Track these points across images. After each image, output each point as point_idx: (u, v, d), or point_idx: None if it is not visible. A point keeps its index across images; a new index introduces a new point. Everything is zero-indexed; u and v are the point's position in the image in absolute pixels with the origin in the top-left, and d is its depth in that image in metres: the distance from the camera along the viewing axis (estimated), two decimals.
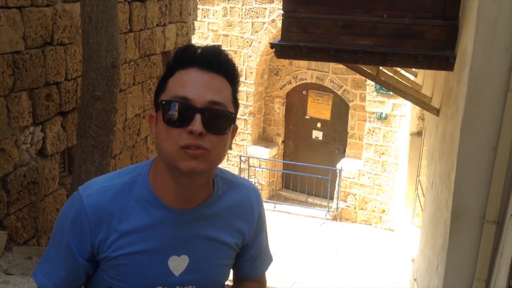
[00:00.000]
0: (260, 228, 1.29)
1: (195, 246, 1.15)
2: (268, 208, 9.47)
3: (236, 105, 1.14)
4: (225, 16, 9.64)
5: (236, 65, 1.14)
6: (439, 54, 3.12)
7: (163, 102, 1.06)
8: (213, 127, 1.05)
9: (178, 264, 1.14)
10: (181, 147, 1.03)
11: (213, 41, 10.38)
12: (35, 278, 1.16)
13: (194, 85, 1.05)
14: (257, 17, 9.40)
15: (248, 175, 9.74)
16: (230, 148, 1.17)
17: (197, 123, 1.02)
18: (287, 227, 8.68)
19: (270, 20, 9.28)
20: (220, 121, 1.07)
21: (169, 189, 1.11)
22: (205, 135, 1.03)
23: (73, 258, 1.12)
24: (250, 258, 1.29)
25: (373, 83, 7.93)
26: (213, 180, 1.18)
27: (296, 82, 9.86)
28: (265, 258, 1.35)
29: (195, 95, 1.04)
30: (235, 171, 10.01)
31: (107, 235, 1.10)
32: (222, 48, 1.12)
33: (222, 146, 1.08)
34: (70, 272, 1.13)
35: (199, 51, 1.08)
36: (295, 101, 10.03)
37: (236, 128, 1.16)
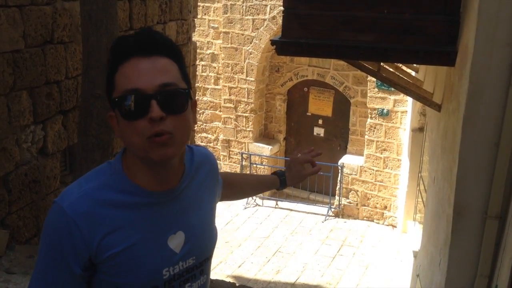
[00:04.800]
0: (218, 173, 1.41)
1: (186, 220, 1.19)
2: (271, 205, 9.49)
3: (187, 80, 1.15)
4: (226, 13, 9.63)
5: (173, 41, 1.16)
6: (441, 50, 3.11)
7: (116, 100, 1.07)
8: (171, 108, 1.06)
9: (177, 241, 1.17)
10: (147, 137, 1.05)
11: (213, 39, 10.36)
12: None
13: (139, 74, 1.06)
14: (258, 14, 9.38)
15: (250, 172, 9.73)
16: (195, 123, 1.21)
17: (155, 109, 1.04)
18: (290, 224, 8.69)
19: (271, 17, 9.26)
20: (176, 100, 1.08)
21: (147, 176, 1.13)
22: (166, 118, 1.05)
23: (70, 272, 1.08)
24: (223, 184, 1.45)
25: (374, 79, 7.91)
26: None
27: (297, 79, 9.84)
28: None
29: (144, 83, 1.05)
30: (237, 168, 10.01)
31: (102, 236, 1.08)
32: (154, 29, 1.13)
33: (185, 124, 1.11)
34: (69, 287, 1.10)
35: (132, 39, 1.09)
36: (296, 98, 10.02)
37: (195, 102, 1.18)
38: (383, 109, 8.40)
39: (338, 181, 9.07)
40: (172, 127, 1.06)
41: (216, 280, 4.06)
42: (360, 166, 8.81)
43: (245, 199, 9.44)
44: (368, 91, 8.51)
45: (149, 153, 1.06)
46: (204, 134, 10.75)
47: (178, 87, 1.09)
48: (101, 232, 1.08)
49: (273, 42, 3.49)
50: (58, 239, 1.08)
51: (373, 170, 8.69)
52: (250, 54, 9.58)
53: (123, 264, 1.10)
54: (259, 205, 9.46)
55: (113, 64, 1.10)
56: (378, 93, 8.38)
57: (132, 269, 1.10)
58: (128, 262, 1.10)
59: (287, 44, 3.42)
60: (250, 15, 9.43)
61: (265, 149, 9.82)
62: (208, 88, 10.52)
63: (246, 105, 9.80)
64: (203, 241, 1.23)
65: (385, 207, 8.73)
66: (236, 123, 9.96)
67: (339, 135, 9.69)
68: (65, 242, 1.07)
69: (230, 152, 10.17)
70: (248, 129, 9.90)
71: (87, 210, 1.08)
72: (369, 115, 8.60)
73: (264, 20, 9.34)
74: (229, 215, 8.84)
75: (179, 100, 1.09)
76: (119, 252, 1.09)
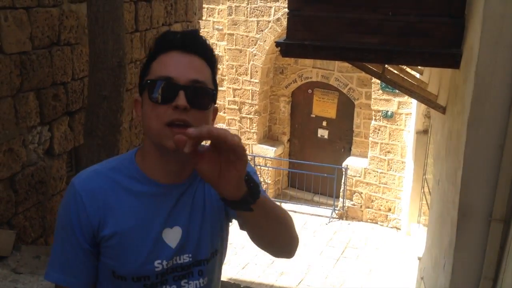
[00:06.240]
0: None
1: (187, 217, 1.21)
2: None
3: (215, 85, 1.20)
4: (230, 15, 9.65)
5: (213, 49, 1.21)
6: (445, 52, 3.11)
7: (148, 81, 1.13)
8: (196, 103, 1.10)
9: (172, 236, 1.18)
10: (167, 123, 1.09)
11: (218, 40, 10.38)
12: (51, 278, 1.16)
13: (176, 65, 1.12)
14: (262, 16, 9.40)
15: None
16: None
17: (181, 99, 1.08)
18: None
19: (275, 18, 9.27)
20: (202, 97, 1.13)
21: (157, 166, 1.17)
22: (189, 110, 1.09)
23: (80, 246, 1.14)
24: None
25: (378, 81, 7.91)
26: None
27: (302, 80, 9.85)
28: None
29: (178, 74, 1.11)
30: None
31: (103, 215, 1.13)
32: (200, 33, 1.20)
33: (205, 121, 1.14)
34: (80, 262, 1.15)
35: (178, 35, 1.15)
36: (301, 99, 10.02)
37: (216, 109, 1.22)
38: (388, 111, 8.39)
39: (342, 183, 9.06)
40: (192, 120, 1.09)
41: (221, 282, 4.07)
42: (364, 168, 8.80)
43: None
44: (373, 93, 8.51)
45: (164, 140, 1.09)
46: None
47: (207, 86, 1.14)
48: (102, 211, 1.13)
49: (277, 44, 3.50)
50: (68, 214, 1.14)
51: (377, 172, 8.67)
52: (255, 56, 9.59)
53: (115, 248, 1.14)
54: None
55: (154, 53, 1.16)
56: (383, 95, 8.37)
57: (122, 254, 1.14)
58: (119, 246, 1.14)
59: (291, 46, 3.43)
60: (254, 17, 9.45)
61: (269, 151, 9.82)
62: None
63: (250, 106, 9.82)
64: (201, 241, 1.22)
65: (389, 209, 8.71)
66: (240, 124, 9.97)
67: (343, 137, 9.68)
68: (73, 218, 1.13)
69: None
70: (252, 130, 9.91)
71: (93, 187, 1.14)
72: (374, 117, 8.59)
73: (269, 22, 9.35)
74: None
75: (205, 97, 1.14)
76: (111, 235, 1.13)
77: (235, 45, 9.72)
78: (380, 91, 8.37)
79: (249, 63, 9.67)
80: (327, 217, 9.05)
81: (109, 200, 1.14)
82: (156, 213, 1.16)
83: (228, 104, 10.06)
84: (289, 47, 3.44)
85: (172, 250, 1.17)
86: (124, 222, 1.14)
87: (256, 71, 9.65)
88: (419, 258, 5.51)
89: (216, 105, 1.20)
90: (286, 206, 9.43)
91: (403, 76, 4.41)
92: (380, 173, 8.64)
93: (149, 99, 1.11)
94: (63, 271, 1.15)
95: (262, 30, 9.44)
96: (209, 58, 1.17)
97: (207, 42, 1.19)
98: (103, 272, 1.17)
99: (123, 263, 1.14)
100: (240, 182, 0.97)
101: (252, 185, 1.00)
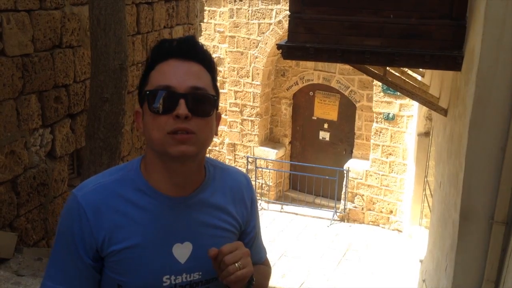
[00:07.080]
0: (254, 212, 1.32)
1: (197, 233, 1.17)
2: (276, 209, 9.48)
3: (216, 91, 1.18)
4: (232, 18, 9.67)
5: (211, 54, 1.20)
6: (447, 54, 3.11)
7: (147, 92, 1.11)
8: (198, 110, 1.09)
9: (182, 251, 1.16)
10: (168, 133, 1.07)
11: (219, 43, 10.40)
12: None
13: (175, 73, 1.10)
14: (264, 18, 9.41)
15: (256, 176, 9.74)
16: (216, 134, 1.21)
17: (182, 107, 1.07)
18: (295, 228, 8.68)
19: (277, 21, 9.29)
20: (204, 104, 1.11)
21: (162, 178, 1.14)
22: (191, 118, 1.08)
23: (81, 261, 1.12)
24: (249, 241, 1.30)
25: (380, 83, 7.91)
26: (204, 166, 1.22)
27: (303, 83, 9.85)
28: (262, 243, 1.39)
29: (177, 82, 1.09)
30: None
31: (109, 230, 1.11)
32: (196, 39, 1.18)
33: (208, 129, 1.13)
34: (80, 275, 1.13)
35: (175, 43, 1.14)
36: (302, 102, 10.03)
37: (219, 115, 1.21)
38: (389, 114, 8.39)
39: (343, 185, 9.05)
40: (195, 128, 1.09)
41: None
42: (366, 171, 8.80)
43: None
44: (374, 95, 8.51)
45: (167, 148, 1.08)
46: None
47: (208, 92, 1.13)
48: (108, 226, 1.11)
49: (279, 47, 3.50)
50: (70, 228, 1.12)
51: (379, 174, 8.67)
52: (256, 58, 9.60)
53: (123, 263, 1.12)
54: (264, 209, 9.45)
55: (151, 62, 1.15)
56: (384, 98, 8.37)
57: (131, 270, 1.12)
58: (128, 261, 1.12)
59: (293, 48, 3.44)
60: (256, 19, 9.47)
61: (271, 153, 9.82)
62: None
63: (251, 109, 9.82)
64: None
65: (391, 212, 8.70)
66: (241, 127, 9.98)
67: (345, 139, 9.68)
68: (76, 232, 1.11)
69: (236, 156, 10.18)
70: (253, 133, 9.92)
71: (98, 202, 1.11)
72: (375, 120, 8.59)
73: (270, 24, 9.37)
74: None
75: (206, 104, 1.12)
76: (120, 250, 1.11)
77: (237, 48, 9.74)
78: (382, 94, 8.37)
79: (250, 66, 9.68)
80: (328, 219, 9.04)
81: (116, 216, 1.11)
82: (166, 228, 1.14)
83: (230, 106, 10.07)
84: (290, 49, 3.44)
85: (181, 266, 1.15)
86: (132, 237, 1.11)
87: (258, 74, 9.66)
88: (421, 261, 5.50)
89: (219, 111, 1.19)
90: (288, 208, 9.43)
91: (404, 78, 4.41)
92: (382, 175, 8.63)
93: (150, 110, 1.10)
94: (63, 284, 1.13)
95: (263, 33, 9.46)
96: (208, 64, 1.15)
97: (205, 47, 1.18)
98: (108, 287, 1.15)
99: (131, 278, 1.12)
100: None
101: (249, 280, 1.15)
